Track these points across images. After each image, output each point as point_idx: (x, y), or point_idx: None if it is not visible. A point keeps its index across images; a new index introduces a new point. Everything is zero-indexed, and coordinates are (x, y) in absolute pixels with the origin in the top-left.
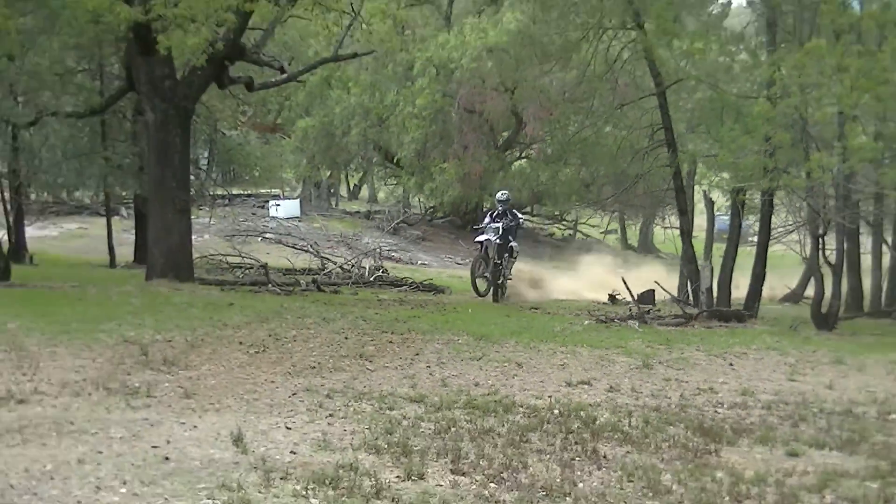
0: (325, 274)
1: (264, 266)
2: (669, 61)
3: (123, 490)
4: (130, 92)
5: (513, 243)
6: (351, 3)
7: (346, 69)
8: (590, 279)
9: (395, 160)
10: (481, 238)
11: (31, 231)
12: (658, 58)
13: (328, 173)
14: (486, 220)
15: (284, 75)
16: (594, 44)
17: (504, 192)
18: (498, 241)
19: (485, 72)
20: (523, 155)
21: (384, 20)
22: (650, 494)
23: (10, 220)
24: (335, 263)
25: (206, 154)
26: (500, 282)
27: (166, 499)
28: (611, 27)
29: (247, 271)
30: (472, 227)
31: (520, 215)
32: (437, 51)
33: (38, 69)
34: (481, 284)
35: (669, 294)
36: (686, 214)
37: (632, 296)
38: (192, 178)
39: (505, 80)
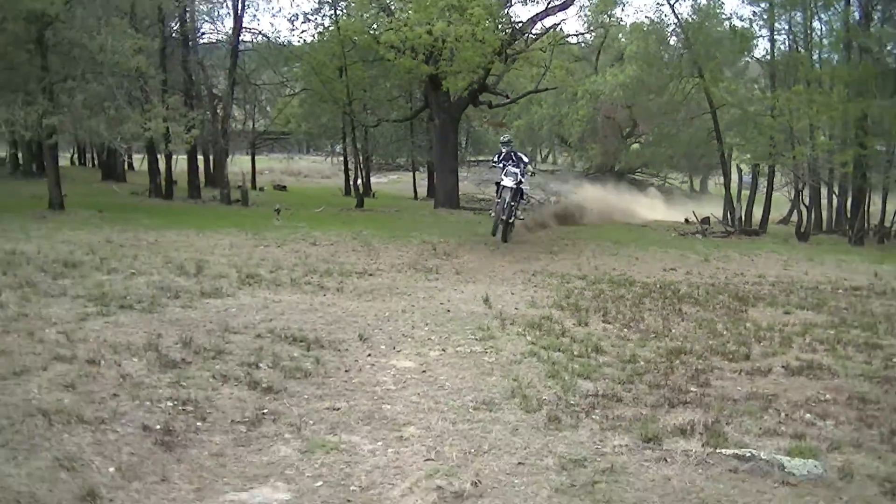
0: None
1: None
2: (717, 94)
3: (426, 328)
4: (426, 109)
5: (524, 186)
6: (544, 61)
7: (541, 96)
8: (668, 210)
9: (567, 142)
10: (507, 182)
11: (373, 179)
12: (711, 93)
13: (529, 149)
14: (496, 159)
15: (508, 100)
16: (676, 83)
17: (506, 135)
18: (514, 185)
19: (616, 97)
20: (636, 141)
21: (561, 69)
22: (711, 336)
23: (363, 174)
24: (536, 199)
25: (464, 140)
26: (510, 221)
27: (448, 334)
28: (685, 76)
29: (483, 202)
30: (491, 163)
31: (525, 159)
32: (590, 85)
33: (378, 97)
34: (502, 230)
35: (718, 219)
36: (727, 175)
37: (697, 220)
38: (458, 152)
39: (627, 101)
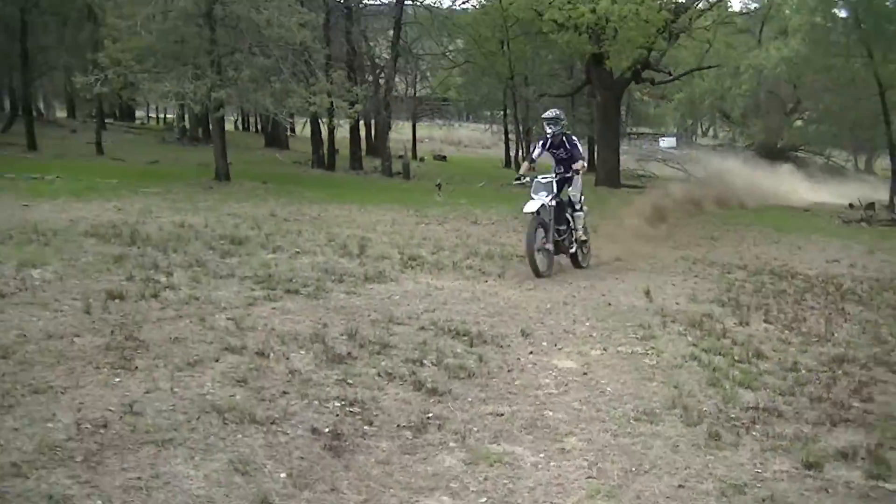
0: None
1: (651, 176)
2: (886, 75)
3: (587, 324)
4: (588, 85)
5: (572, 193)
6: (707, 38)
7: (704, 73)
8: (832, 191)
9: (728, 117)
10: (529, 209)
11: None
12: (880, 73)
13: (690, 122)
14: (537, 151)
15: (671, 77)
16: (843, 61)
17: (554, 109)
18: (553, 202)
19: (779, 72)
20: (800, 117)
21: (724, 45)
22: (875, 342)
23: (524, 146)
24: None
25: (625, 112)
26: (572, 251)
27: (610, 332)
28: (853, 55)
29: (648, 180)
30: (531, 150)
31: (580, 147)
32: (754, 60)
33: (539, 71)
34: (541, 262)
35: (883, 205)
36: (894, 159)
37: (861, 206)
38: (619, 129)
39: (791, 76)
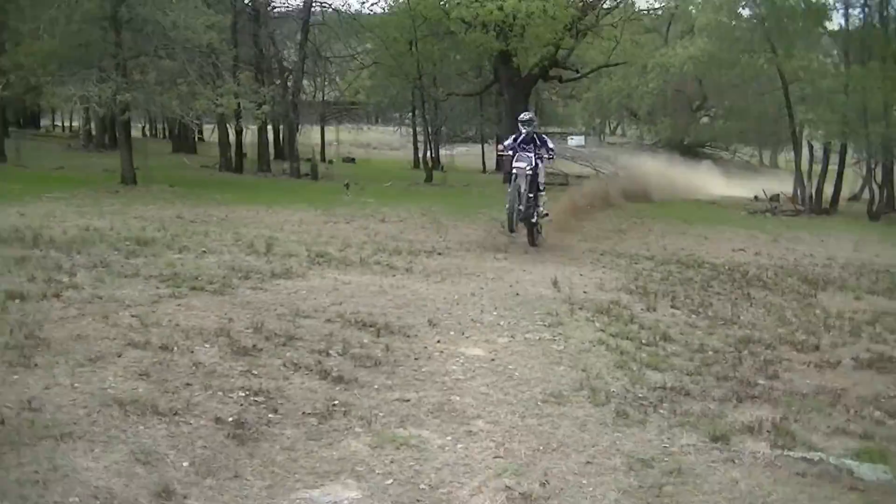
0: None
1: (565, 174)
2: (789, 69)
3: (495, 313)
4: (496, 84)
5: (540, 177)
6: (615, 35)
7: (611, 69)
8: (738, 185)
9: (636, 115)
10: (518, 165)
11: (442, 152)
12: (783, 68)
13: (598, 121)
14: (509, 142)
15: (578, 74)
16: (748, 57)
17: (527, 112)
18: (530, 171)
19: (686, 70)
20: (706, 115)
21: (632, 43)
22: (780, 323)
23: (432, 147)
24: (602, 171)
25: (534, 112)
26: (534, 221)
27: (517, 319)
28: (757, 50)
29: (554, 177)
30: (499, 151)
31: (550, 143)
32: (660, 58)
33: (448, 71)
34: (516, 220)
35: (787, 197)
36: (797, 151)
37: (766, 197)
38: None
39: (697, 74)
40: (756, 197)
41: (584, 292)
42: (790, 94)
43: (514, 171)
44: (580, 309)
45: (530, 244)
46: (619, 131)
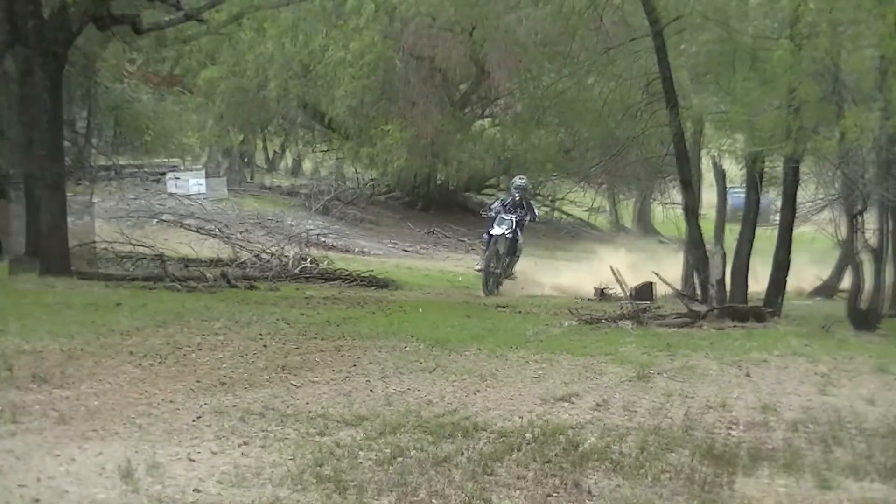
0: (237, 265)
1: (160, 256)
2: None
3: None
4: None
5: (519, 240)
6: None
7: (265, 14)
8: (575, 270)
9: (325, 121)
10: (496, 231)
11: None
12: None
13: (241, 138)
14: (496, 205)
15: (181, 13)
16: None
17: (523, 177)
18: (509, 235)
19: (436, 7)
20: (487, 113)
21: None
22: None
23: None
24: (250, 252)
25: (84, 114)
26: (500, 281)
27: None
28: None
29: (138, 262)
30: (480, 212)
31: (535, 210)
32: None
33: None
34: (492, 282)
35: (671, 287)
36: (691, 187)
37: (624, 290)
38: (66, 144)
39: (461, 18)
40: (600, 290)
41: (197, 491)
42: (671, 56)
43: (493, 234)
44: None
45: (486, 294)
46: (289, 160)
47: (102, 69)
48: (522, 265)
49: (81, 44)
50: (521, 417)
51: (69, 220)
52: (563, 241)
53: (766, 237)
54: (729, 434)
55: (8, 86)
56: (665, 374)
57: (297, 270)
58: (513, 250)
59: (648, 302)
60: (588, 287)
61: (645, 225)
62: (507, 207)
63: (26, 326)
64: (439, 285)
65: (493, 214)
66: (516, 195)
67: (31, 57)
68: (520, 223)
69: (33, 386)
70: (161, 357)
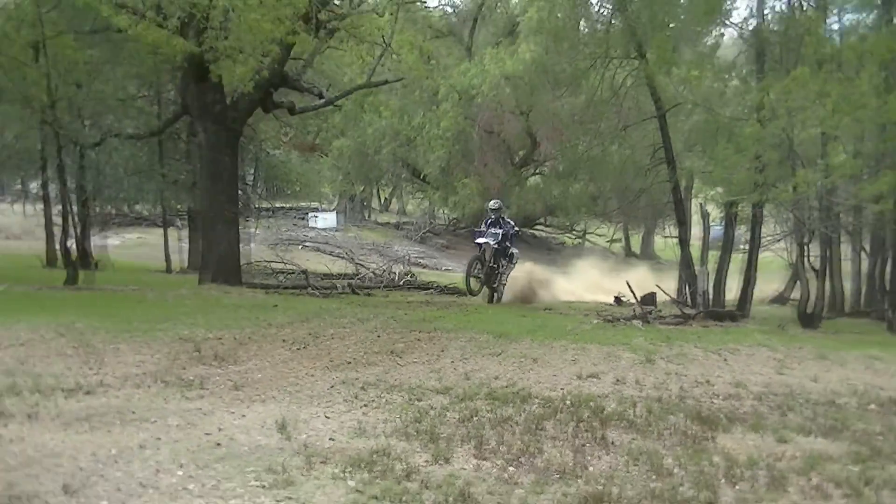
0: (359, 278)
1: (304, 271)
2: (668, 87)
3: (180, 473)
4: (185, 115)
5: (513, 250)
6: (382, 36)
7: (378, 94)
8: (593, 282)
9: (421, 176)
10: (481, 240)
11: (95, 240)
12: (658, 84)
13: (361, 188)
14: (483, 226)
15: (322, 100)
16: (601, 72)
17: (496, 200)
18: (496, 245)
19: (502, 97)
20: (537, 171)
21: (412, 51)
22: (654, 476)
23: (78, 230)
24: (368, 269)
25: (252, 171)
26: (494, 286)
27: (218, 481)
28: (616, 57)
29: (289, 276)
30: (472, 231)
31: (512, 223)
32: (460, 78)
33: (102, 95)
34: (474, 284)
35: (669, 296)
36: (684, 224)
37: (636, 298)
38: (239, 192)
39: (521, 104)
40: (618, 298)
41: (331, 440)
42: (671, 130)
43: (479, 243)
44: (322, 463)
45: (488, 303)
46: (396, 203)
47: (266, 140)
48: (567, 281)
49: (252, 122)
50: (562, 389)
51: (241, 246)
52: (591, 261)
53: (737, 260)
54: (712, 403)
55: (183, 145)
56: (665, 359)
57: (401, 282)
58: (500, 257)
59: (652, 307)
60: (608, 296)
61: (648, 251)
62: (488, 226)
63: (210, 321)
64: None
65: (482, 230)
66: (492, 216)
67: (217, 132)
68: (506, 235)
69: (214, 363)
70: (305, 343)
